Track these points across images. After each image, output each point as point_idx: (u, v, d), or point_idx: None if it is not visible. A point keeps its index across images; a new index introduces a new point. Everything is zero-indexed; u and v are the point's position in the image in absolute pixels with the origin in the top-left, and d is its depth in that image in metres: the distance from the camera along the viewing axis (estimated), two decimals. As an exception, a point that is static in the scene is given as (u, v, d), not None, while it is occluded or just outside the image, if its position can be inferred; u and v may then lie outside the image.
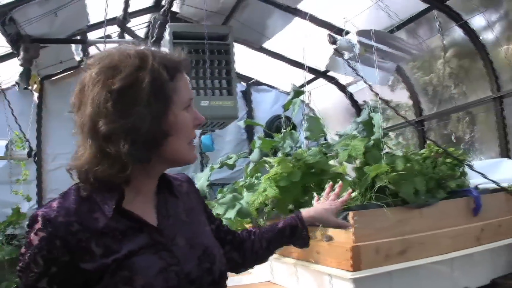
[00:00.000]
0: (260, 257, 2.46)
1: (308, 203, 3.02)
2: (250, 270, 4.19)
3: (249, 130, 9.04)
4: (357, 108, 8.54)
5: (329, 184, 2.80)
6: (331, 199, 2.68)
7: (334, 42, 4.09)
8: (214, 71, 6.69)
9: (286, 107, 4.00)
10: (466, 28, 5.93)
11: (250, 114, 9.39)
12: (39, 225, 1.55)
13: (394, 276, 2.81)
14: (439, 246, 3.00)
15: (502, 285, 3.30)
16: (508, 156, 5.73)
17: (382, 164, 2.97)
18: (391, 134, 8.27)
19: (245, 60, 8.38)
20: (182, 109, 1.73)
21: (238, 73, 8.49)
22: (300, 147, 3.97)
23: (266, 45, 7.88)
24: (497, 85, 5.94)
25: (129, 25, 7.20)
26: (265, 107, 9.39)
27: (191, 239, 1.80)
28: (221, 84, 6.71)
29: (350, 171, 3.39)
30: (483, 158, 6.48)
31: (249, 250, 2.38)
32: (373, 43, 4.27)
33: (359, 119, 3.57)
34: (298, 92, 3.90)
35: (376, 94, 3.73)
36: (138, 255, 1.60)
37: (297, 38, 6.43)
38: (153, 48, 1.77)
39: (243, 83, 9.54)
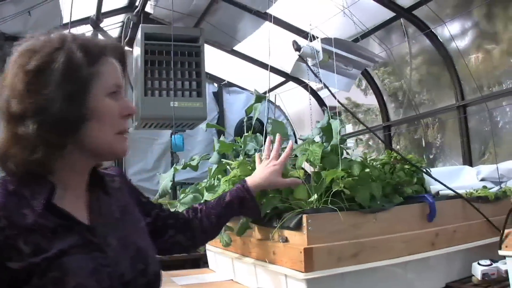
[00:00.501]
0: (210, 234, 2.49)
1: (268, 204, 3.10)
2: (213, 269, 4.31)
3: (219, 130, 9.14)
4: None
5: (268, 140, 2.90)
6: (273, 158, 2.75)
7: (298, 48, 4.17)
8: (184, 73, 6.80)
9: (248, 111, 4.08)
10: (432, 37, 6.05)
11: (221, 115, 9.54)
12: None
13: (346, 277, 2.89)
14: (393, 249, 3.08)
15: (458, 289, 3.40)
16: (470, 163, 5.85)
17: (338, 170, 3.05)
18: (362, 137, 8.44)
19: (217, 61, 8.51)
20: (105, 95, 1.67)
21: (210, 74, 8.64)
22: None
23: (237, 47, 7.99)
24: (461, 94, 6.06)
25: (102, 24, 7.25)
26: (237, 108, 9.51)
27: (123, 239, 1.74)
28: (191, 85, 6.80)
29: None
30: (449, 164, 6.62)
31: (198, 229, 2.36)
32: (337, 50, 4.37)
33: (319, 124, 3.66)
34: (259, 97, 3.98)
35: (338, 102, 3.82)
36: (69, 255, 1.53)
37: (267, 42, 6.53)
38: (80, 33, 1.75)
39: (215, 84, 9.67)
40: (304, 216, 2.86)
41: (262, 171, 2.72)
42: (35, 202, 1.55)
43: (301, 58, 4.20)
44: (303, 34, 5.64)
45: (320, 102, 8.75)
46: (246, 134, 3.99)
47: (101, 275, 1.57)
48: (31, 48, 1.61)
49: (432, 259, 3.32)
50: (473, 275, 3.31)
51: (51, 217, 1.57)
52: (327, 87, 3.98)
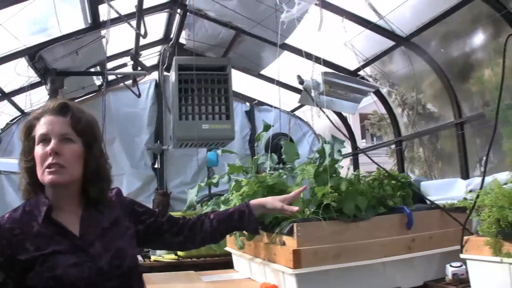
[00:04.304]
0: (210, 236, 2.92)
1: (269, 216, 3.65)
2: (236, 269, 4.81)
3: (252, 146, 9.54)
4: (349, 129, 9.17)
5: (297, 190, 3.28)
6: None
7: (301, 82, 4.67)
8: (214, 98, 7.28)
9: (257, 138, 4.58)
10: (430, 60, 6.48)
11: (253, 131, 9.87)
12: None
13: (330, 274, 3.42)
14: (371, 252, 3.56)
15: (432, 287, 3.82)
16: (467, 176, 6.22)
17: (326, 186, 3.57)
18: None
19: (248, 83, 8.92)
20: (37, 144, 2.28)
21: (242, 95, 9.11)
22: (282, 167, 4.57)
23: (264, 71, 8.40)
24: (459, 112, 6.46)
25: (144, 52, 7.78)
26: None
27: (107, 243, 2.32)
28: (220, 109, 7.28)
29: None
30: (446, 177, 6.91)
31: (199, 230, 2.86)
32: (338, 80, 4.83)
33: (316, 148, 4.16)
34: (267, 126, 4.47)
35: (334, 125, 4.32)
36: (60, 254, 2.17)
37: (288, 67, 6.99)
38: (43, 105, 2.42)
39: (247, 104, 10.06)
40: (295, 224, 3.41)
41: (271, 197, 3.18)
42: (39, 218, 2.24)
43: (305, 90, 4.66)
44: (319, 60, 6.11)
45: (343, 119, 9.24)
46: (255, 157, 4.48)
47: (82, 267, 2.18)
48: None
49: (410, 260, 3.79)
50: (447, 275, 3.73)
51: (50, 227, 2.24)
52: (326, 116, 4.45)
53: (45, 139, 2.27)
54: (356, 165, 9.11)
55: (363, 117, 24.90)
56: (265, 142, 8.79)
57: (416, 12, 6.14)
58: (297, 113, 10.16)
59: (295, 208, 3.10)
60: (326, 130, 9.20)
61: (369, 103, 9.50)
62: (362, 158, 9.18)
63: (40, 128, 2.29)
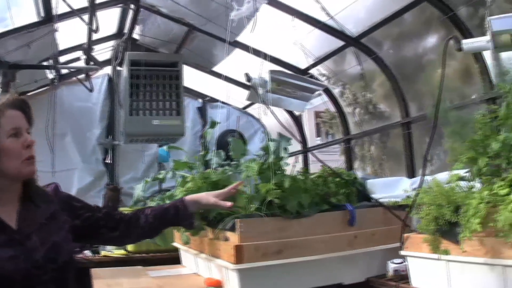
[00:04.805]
0: (146, 231, 2.92)
1: (215, 210, 3.68)
2: (184, 264, 4.83)
3: (203, 142, 9.56)
4: (300, 127, 9.23)
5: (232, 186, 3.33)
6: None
7: (248, 79, 4.69)
8: (165, 94, 7.27)
9: (204, 134, 4.60)
10: (379, 61, 6.55)
11: (215, 129, 9.85)
12: None
13: (272, 269, 3.46)
14: (313, 248, 3.61)
15: (374, 283, 3.86)
16: (413, 175, 6.32)
17: (269, 183, 3.60)
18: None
19: (201, 79, 8.92)
20: (7, 137, 2.28)
21: (195, 91, 9.10)
22: (228, 163, 4.59)
23: (216, 68, 8.40)
24: (406, 112, 6.55)
25: (97, 47, 7.73)
26: (220, 121, 9.84)
27: (44, 237, 2.33)
28: (171, 105, 7.27)
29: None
30: (395, 175, 6.98)
31: (135, 225, 2.86)
32: (286, 78, 4.86)
33: (261, 145, 4.19)
34: (213, 123, 4.50)
35: (280, 123, 4.35)
36: None
37: (240, 64, 7.00)
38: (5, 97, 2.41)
39: (200, 100, 10.06)
40: (237, 220, 3.44)
41: (205, 193, 3.24)
42: None
43: (253, 88, 4.69)
44: (267, 58, 6.15)
45: (295, 118, 9.31)
46: (201, 153, 4.50)
47: (17, 260, 2.19)
48: None
49: (352, 257, 3.85)
50: (388, 271, 3.78)
51: None
52: (272, 112, 4.48)
53: (16, 133, 2.31)
54: (306, 162, 9.16)
55: (318, 115, 25.05)
56: (216, 138, 8.92)
57: (368, 13, 6.20)
58: (249, 110, 10.17)
59: (228, 204, 3.13)
60: (278, 128, 9.24)
61: (325, 101, 9.56)
62: (319, 156, 9.25)
63: (9, 122, 2.31)
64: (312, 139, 22.45)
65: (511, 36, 3.38)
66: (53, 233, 2.40)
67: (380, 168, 8.70)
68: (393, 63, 6.63)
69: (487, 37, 3.39)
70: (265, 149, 4.03)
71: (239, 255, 3.34)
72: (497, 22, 3.35)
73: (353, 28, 6.45)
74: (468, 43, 3.57)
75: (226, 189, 3.23)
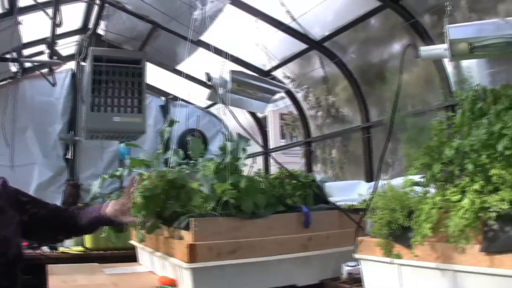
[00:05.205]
0: (81, 229, 3.04)
1: (170, 208, 3.68)
2: (140, 262, 4.81)
3: (166, 141, 9.53)
4: (262, 128, 9.24)
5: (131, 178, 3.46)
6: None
7: (209, 79, 4.70)
8: (127, 91, 7.23)
9: (162, 133, 4.60)
10: (341, 65, 6.59)
11: (173, 127, 9.81)
12: None
13: (227, 269, 3.46)
14: (267, 249, 3.62)
15: (328, 285, 3.88)
16: (372, 179, 6.34)
17: (225, 183, 3.61)
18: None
19: (165, 77, 8.90)
20: None
21: (159, 89, 9.06)
22: (186, 162, 4.58)
23: (179, 67, 8.37)
24: (366, 116, 6.59)
25: (62, 42, 7.67)
26: (181, 120, 9.84)
27: None
28: (133, 102, 7.25)
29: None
30: (356, 179, 7.04)
31: (74, 224, 2.91)
32: (247, 80, 4.87)
33: (219, 145, 4.19)
34: (172, 121, 4.50)
35: (239, 123, 4.35)
36: None
37: (203, 63, 6.99)
38: None
39: (163, 98, 10.02)
40: (191, 219, 3.44)
41: (110, 205, 3.37)
42: None
43: (213, 88, 4.70)
44: (230, 58, 6.17)
45: (257, 119, 9.33)
46: (158, 151, 4.49)
47: None
48: None
49: (306, 258, 3.87)
50: (342, 274, 3.81)
51: None
52: (232, 113, 4.47)
53: None
54: (267, 164, 9.19)
55: (282, 118, 25.14)
56: (177, 137, 8.91)
57: (335, 16, 6.23)
58: (212, 110, 10.17)
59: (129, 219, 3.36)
60: (241, 129, 9.24)
61: (287, 105, 9.59)
62: (282, 158, 9.28)
63: None
64: (277, 141, 22.53)
65: (469, 45, 3.43)
66: (2, 227, 2.38)
67: (341, 171, 8.72)
68: (357, 67, 6.69)
69: (445, 45, 3.43)
70: (223, 149, 4.03)
71: (193, 254, 3.34)
72: (455, 30, 3.40)
73: (320, 32, 6.49)
74: (426, 50, 3.62)
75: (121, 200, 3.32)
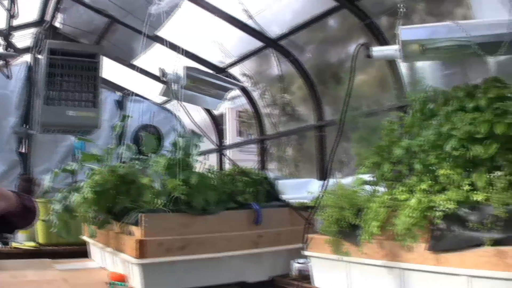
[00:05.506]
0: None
1: (121, 204, 3.66)
2: (92, 257, 4.78)
3: (120, 134, 9.47)
4: (217, 125, 9.24)
5: None
6: None
7: (163, 74, 4.68)
8: (82, 85, 7.15)
9: (114, 128, 4.58)
10: (294, 62, 6.60)
11: (126, 122, 9.74)
12: None
13: (176, 265, 3.48)
14: (217, 245, 3.64)
15: (278, 282, 3.92)
16: (324, 177, 6.32)
17: (176, 179, 3.60)
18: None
19: (121, 72, 8.81)
20: None
21: (114, 84, 8.96)
22: (138, 158, 4.56)
23: (136, 61, 8.31)
24: (320, 115, 6.62)
25: (18, 34, 7.57)
26: (137, 116, 9.76)
27: None
28: (88, 97, 7.17)
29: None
30: (311, 177, 7.06)
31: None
32: (201, 76, 4.87)
33: (172, 141, 4.19)
34: (124, 116, 4.49)
35: (191, 119, 4.34)
36: None
37: (160, 59, 6.95)
38: None
39: (119, 93, 9.93)
40: (141, 215, 3.42)
41: None
42: None
43: (167, 84, 4.68)
44: (185, 54, 6.15)
45: (213, 116, 9.32)
46: (110, 146, 4.46)
47: None
48: None
49: (257, 255, 3.90)
50: (291, 271, 3.83)
51: None
52: (184, 108, 4.47)
53: None
54: (221, 161, 9.17)
55: (239, 115, 25.10)
56: (132, 133, 8.85)
57: (293, 15, 6.22)
58: (169, 106, 10.10)
59: None
60: (199, 125, 9.22)
61: (243, 104, 9.58)
62: (238, 155, 9.29)
63: None
64: (234, 138, 22.50)
65: (420, 47, 3.46)
66: None
67: (297, 169, 8.77)
68: (314, 67, 6.71)
69: (397, 46, 3.46)
70: (175, 145, 4.03)
71: (142, 250, 3.34)
72: (407, 32, 3.43)
73: (278, 30, 6.48)
74: (377, 51, 3.64)
75: None
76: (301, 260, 3.77)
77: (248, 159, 8.96)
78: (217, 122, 9.62)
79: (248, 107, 8.54)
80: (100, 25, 7.49)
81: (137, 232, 3.48)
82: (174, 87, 4.67)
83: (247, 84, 7.70)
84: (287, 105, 7.76)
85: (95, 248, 4.70)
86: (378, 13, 5.38)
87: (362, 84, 6.12)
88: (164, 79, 4.69)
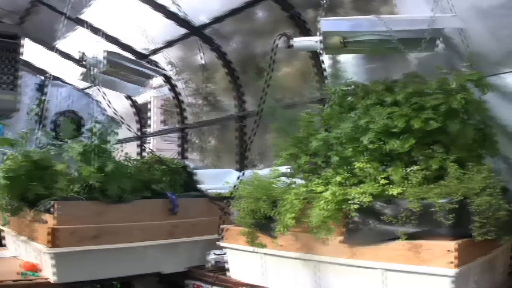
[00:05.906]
0: None
1: (34, 190, 3.56)
2: (8, 246, 4.65)
3: (41, 120, 9.25)
4: (140, 113, 9.15)
5: None
6: None
7: (82, 58, 4.58)
8: (2, 67, 6.94)
9: (30, 112, 4.46)
10: (218, 52, 6.56)
11: (42, 106, 9.52)
12: None
13: (90, 254, 3.40)
14: (131, 235, 3.58)
15: (193, 273, 3.88)
16: (242, 167, 6.31)
17: (91, 167, 3.52)
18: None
19: (44, 55, 8.60)
20: None
21: (35, 67, 8.74)
22: (54, 143, 4.46)
23: (58, 45, 8.13)
24: (241, 106, 6.60)
25: None
26: (59, 100, 9.56)
27: None
28: (6, 79, 6.97)
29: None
30: (232, 167, 7.03)
31: None
32: (122, 61, 4.78)
33: (88, 127, 4.10)
34: (40, 100, 4.38)
35: (111, 107, 4.26)
36: None
37: (83, 43, 6.81)
38: None
39: (40, 77, 9.69)
40: (54, 202, 3.33)
41: None
42: None
43: (86, 67, 4.58)
44: (112, 40, 6.04)
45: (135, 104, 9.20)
46: (25, 130, 4.34)
47: None
48: None
49: (172, 246, 3.85)
50: (207, 262, 3.82)
51: None
52: (102, 93, 4.38)
53: None
54: (141, 149, 9.06)
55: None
56: (54, 116, 8.65)
57: (220, 4, 6.16)
58: (90, 92, 9.91)
59: None
60: (121, 113, 9.11)
61: (165, 94, 9.49)
62: (161, 144, 9.21)
63: None
64: (158, 127, 22.36)
65: (341, 39, 3.46)
66: None
67: (218, 160, 8.73)
68: (238, 57, 6.67)
69: (317, 37, 3.45)
70: (91, 131, 3.95)
71: (55, 238, 3.25)
72: (327, 23, 3.42)
73: (206, 19, 6.40)
74: (298, 41, 3.63)
75: None
76: (218, 252, 3.76)
77: (170, 148, 8.88)
78: (140, 110, 9.48)
79: (171, 96, 8.46)
80: (22, 4, 7.28)
81: (50, 220, 3.40)
82: (93, 71, 4.57)
83: (171, 72, 7.60)
84: (210, 94, 7.71)
85: (9, 237, 4.58)
86: (304, 5, 5.38)
87: (286, 76, 6.12)
88: (84, 62, 4.59)
